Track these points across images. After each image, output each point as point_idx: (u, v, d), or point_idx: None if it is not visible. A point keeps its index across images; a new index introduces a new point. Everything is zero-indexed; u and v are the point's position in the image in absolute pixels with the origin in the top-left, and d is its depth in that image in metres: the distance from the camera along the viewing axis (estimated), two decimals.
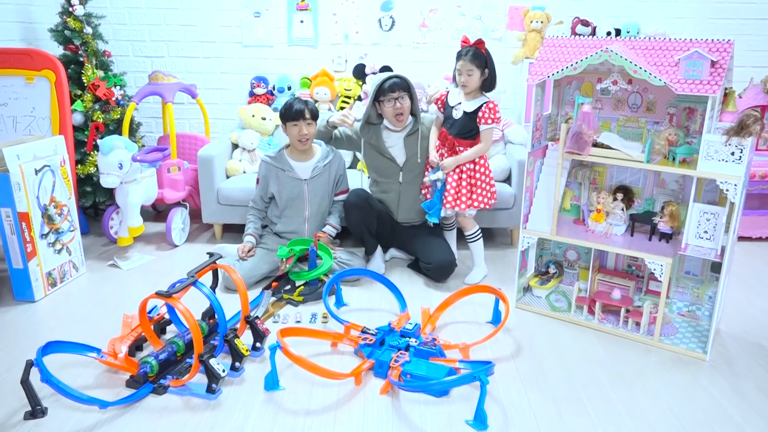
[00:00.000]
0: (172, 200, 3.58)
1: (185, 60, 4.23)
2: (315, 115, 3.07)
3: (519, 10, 4.06)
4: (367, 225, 3.12)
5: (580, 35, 3.87)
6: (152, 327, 2.44)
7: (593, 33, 3.95)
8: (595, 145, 2.53)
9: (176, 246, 3.58)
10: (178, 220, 3.60)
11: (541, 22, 3.96)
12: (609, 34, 3.90)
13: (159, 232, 3.80)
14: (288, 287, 2.97)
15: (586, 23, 3.94)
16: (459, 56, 2.87)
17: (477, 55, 2.82)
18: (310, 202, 3.14)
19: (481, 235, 3.13)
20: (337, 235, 3.27)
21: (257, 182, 3.21)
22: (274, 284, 2.98)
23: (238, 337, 2.27)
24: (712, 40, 2.29)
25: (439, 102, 3.16)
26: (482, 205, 2.99)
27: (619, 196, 2.71)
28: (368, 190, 3.24)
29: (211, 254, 2.55)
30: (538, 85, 2.58)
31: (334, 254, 3.08)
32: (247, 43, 4.19)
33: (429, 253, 3.10)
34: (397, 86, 3.03)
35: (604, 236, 2.67)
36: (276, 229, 3.23)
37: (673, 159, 2.42)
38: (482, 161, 2.99)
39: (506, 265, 3.36)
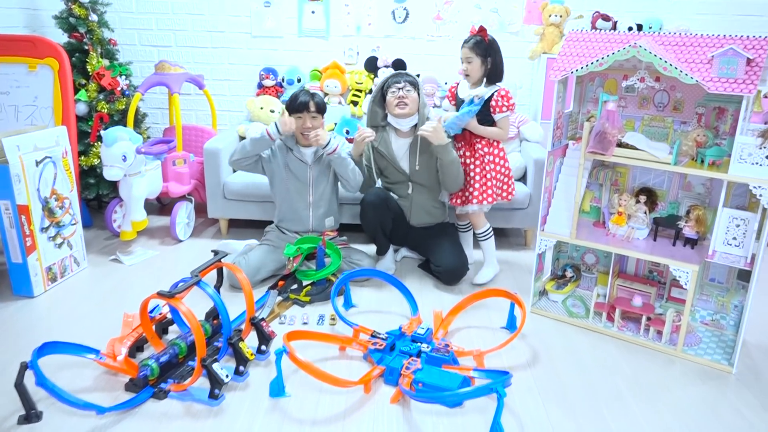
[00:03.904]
0: (177, 194, 3.48)
1: (193, 50, 4.12)
2: (321, 109, 2.96)
3: (537, 3, 3.93)
4: (382, 225, 3.02)
5: (600, 30, 3.75)
6: (154, 327, 2.35)
7: (614, 28, 3.82)
8: (620, 145, 2.42)
9: (180, 241, 3.49)
10: (183, 214, 3.50)
11: (560, 16, 3.83)
12: (630, 29, 3.77)
13: (163, 226, 3.71)
14: (295, 287, 2.87)
15: (606, 18, 3.81)
16: (462, 45, 2.86)
17: (477, 43, 2.79)
18: (314, 186, 3.04)
19: (492, 233, 3.03)
20: (346, 233, 3.17)
21: None
22: (280, 283, 2.88)
23: (243, 340, 2.17)
24: (747, 36, 2.16)
25: (449, 95, 3.07)
26: (498, 198, 2.92)
27: (642, 198, 2.59)
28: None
29: (215, 252, 2.45)
30: (560, 81, 2.47)
31: (342, 254, 2.98)
32: (256, 34, 4.08)
33: (441, 255, 2.99)
34: (403, 78, 2.93)
35: (626, 240, 2.56)
36: (279, 217, 3.12)
37: (702, 161, 2.30)
38: (497, 152, 2.91)
39: (520, 267, 3.25)
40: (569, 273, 2.89)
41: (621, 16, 3.86)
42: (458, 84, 3.01)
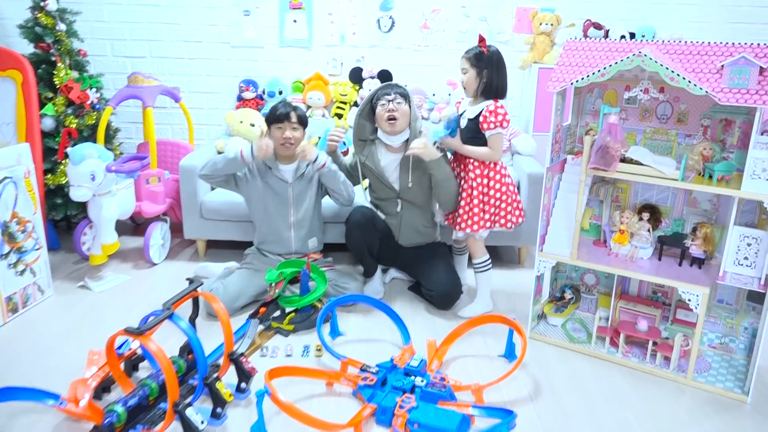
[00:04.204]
0: (151, 214, 3.28)
1: (168, 61, 3.93)
2: (302, 121, 2.80)
3: (527, 11, 3.80)
4: (369, 246, 2.84)
5: (594, 39, 3.63)
6: (123, 365, 2.15)
7: (606, 36, 3.70)
8: (623, 160, 2.27)
9: (155, 264, 3.28)
10: (158, 235, 3.30)
11: (551, 25, 3.70)
12: (623, 38, 3.65)
13: (137, 247, 3.49)
14: (277, 314, 2.68)
15: (598, 26, 3.69)
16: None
17: (476, 54, 2.57)
18: (295, 206, 2.86)
19: (490, 266, 2.79)
20: (331, 253, 3.00)
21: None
22: (262, 310, 2.68)
23: (220, 380, 1.98)
24: (758, 44, 2.03)
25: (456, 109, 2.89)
26: (494, 226, 2.68)
27: (645, 215, 2.45)
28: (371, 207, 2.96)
29: (190, 281, 2.26)
30: (558, 93, 2.32)
31: (328, 277, 2.79)
32: (235, 44, 3.90)
33: (433, 278, 2.81)
34: (394, 90, 2.76)
35: (629, 260, 2.41)
36: (259, 239, 2.94)
37: (710, 176, 2.16)
38: (492, 173, 2.64)
39: (514, 288, 3.09)
40: (568, 294, 2.73)
41: (613, 25, 3.74)
42: (462, 99, 2.82)
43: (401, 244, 2.96)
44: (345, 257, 3.32)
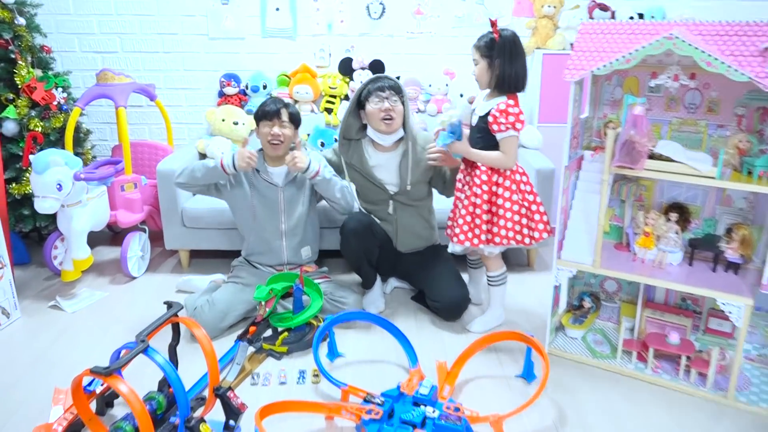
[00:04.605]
0: (128, 224, 3.00)
1: (142, 56, 3.63)
2: (294, 119, 2.56)
3: None
4: (367, 256, 2.59)
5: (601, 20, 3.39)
6: (95, 402, 1.90)
7: (612, 17, 3.46)
8: (651, 156, 2.03)
9: (134, 278, 3.01)
10: (136, 247, 3.03)
11: (554, 7, 3.44)
12: (632, 18, 3.40)
13: (115, 259, 3.22)
14: (269, 333, 2.43)
15: (604, 7, 3.44)
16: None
17: (486, 42, 2.25)
18: (286, 213, 2.61)
19: (506, 279, 2.51)
20: (326, 261, 2.75)
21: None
22: (251, 329, 2.43)
23: (204, 422, 1.73)
24: None
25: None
26: (509, 242, 2.30)
27: (673, 216, 2.21)
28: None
29: (169, 304, 1.99)
30: (576, 82, 2.07)
31: (324, 290, 2.54)
32: (214, 35, 3.61)
33: (437, 287, 2.57)
34: (387, 86, 2.51)
35: (657, 267, 2.18)
36: (247, 249, 2.69)
37: (749, 173, 1.92)
38: (504, 181, 2.27)
39: (526, 295, 2.85)
40: (587, 303, 2.50)
41: (619, 6, 3.50)
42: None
43: (400, 251, 2.72)
44: (341, 265, 3.07)
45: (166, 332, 1.99)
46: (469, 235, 2.33)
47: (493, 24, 2.25)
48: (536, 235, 2.32)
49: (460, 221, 2.34)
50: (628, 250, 2.32)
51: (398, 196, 2.63)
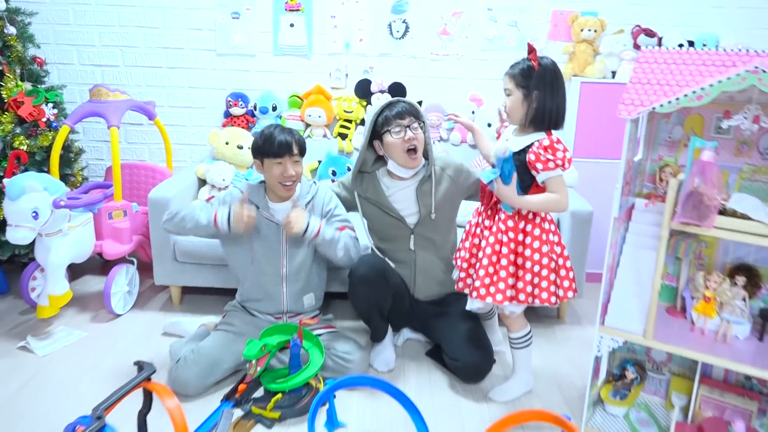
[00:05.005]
0: (115, 255, 2.71)
1: (144, 70, 3.38)
2: (303, 150, 2.26)
3: (565, 15, 3.23)
4: (379, 306, 2.27)
5: (654, 48, 3.08)
6: None
7: (659, 44, 3.14)
8: (723, 212, 1.69)
9: (118, 315, 2.72)
10: (122, 281, 2.73)
11: (594, 31, 3.13)
12: (681, 46, 3.07)
13: (102, 291, 2.92)
14: (260, 394, 2.11)
15: (651, 33, 3.12)
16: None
17: (522, 70, 1.93)
18: (288, 255, 2.29)
19: (531, 340, 2.18)
20: (332, 306, 2.43)
21: (207, 200, 2.37)
22: (240, 388, 2.11)
23: None
24: None
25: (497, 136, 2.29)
26: (536, 301, 1.98)
27: (740, 280, 1.86)
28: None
29: (140, 366, 1.68)
30: (633, 120, 1.74)
31: (326, 344, 2.22)
32: (222, 51, 3.35)
33: (457, 344, 2.24)
34: (406, 112, 2.20)
35: (720, 341, 1.82)
36: (242, 295, 2.38)
37: None
38: (533, 229, 1.96)
39: (555, 352, 2.50)
40: (631, 373, 2.14)
41: (667, 31, 3.18)
42: (506, 126, 2.18)
43: (417, 298, 2.40)
44: (349, 310, 2.74)
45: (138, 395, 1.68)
46: (492, 289, 1.97)
47: (532, 50, 1.94)
48: (561, 293, 2.00)
49: (482, 272, 1.99)
50: (683, 317, 1.97)
51: (420, 229, 2.31)
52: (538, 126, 1.95)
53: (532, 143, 1.92)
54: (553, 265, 1.98)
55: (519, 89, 1.93)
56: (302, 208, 2.22)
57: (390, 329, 2.43)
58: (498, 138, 2.19)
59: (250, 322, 2.32)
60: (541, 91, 1.91)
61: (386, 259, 2.35)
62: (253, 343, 2.06)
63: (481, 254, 2.01)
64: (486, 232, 2.03)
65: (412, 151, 2.20)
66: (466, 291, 2.08)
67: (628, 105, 1.73)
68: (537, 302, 1.97)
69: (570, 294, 2.00)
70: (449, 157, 2.45)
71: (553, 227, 2.01)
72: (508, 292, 1.97)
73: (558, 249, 2.00)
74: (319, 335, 2.27)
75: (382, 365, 2.33)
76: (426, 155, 2.31)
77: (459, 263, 2.14)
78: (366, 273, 2.20)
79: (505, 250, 1.96)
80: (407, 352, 2.50)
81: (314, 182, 2.41)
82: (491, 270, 1.98)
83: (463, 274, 2.12)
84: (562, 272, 2.00)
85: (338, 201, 2.38)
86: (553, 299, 1.98)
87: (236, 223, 2.15)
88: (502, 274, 1.96)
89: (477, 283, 1.99)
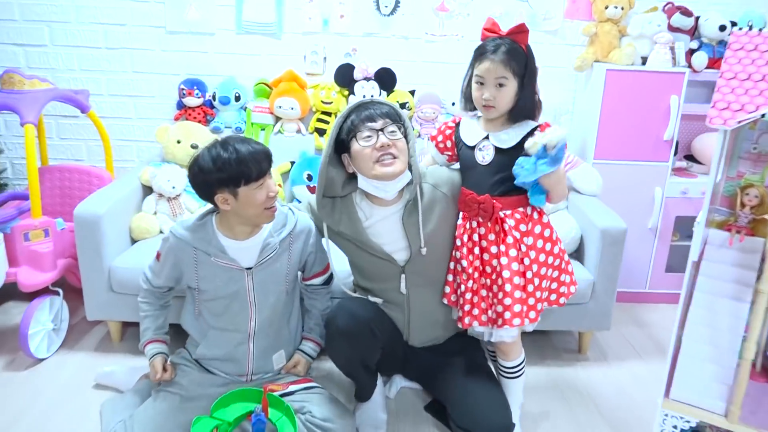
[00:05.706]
0: (33, 286, 2.16)
1: (78, 51, 2.79)
2: (271, 161, 1.73)
3: None
4: (365, 363, 1.78)
5: (677, 29, 2.61)
6: None
7: (696, 25, 2.68)
8: None
9: (40, 360, 2.18)
10: (44, 317, 2.19)
11: (622, 8, 2.64)
12: (723, 28, 2.60)
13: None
14: None
15: (687, 12, 2.65)
16: (481, 54, 1.66)
17: (515, 53, 1.62)
18: (257, 305, 1.79)
19: (524, 369, 1.82)
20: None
21: (157, 258, 1.84)
22: None
23: None
24: None
25: (440, 137, 1.85)
26: (544, 305, 1.74)
27: None
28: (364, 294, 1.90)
29: None
30: (726, 129, 1.26)
31: (302, 407, 1.72)
32: (173, 29, 2.78)
33: (466, 407, 1.76)
34: (378, 112, 1.69)
35: None
36: (198, 351, 1.86)
37: None
38: (539, 229, 1.71)
39: (577, 398, 2.06)
40: None
41: (704, 10, 2.71)
42: (459, 121, 1.81)
43: (412, 345, 1.91)
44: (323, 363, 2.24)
45: None
46: (532, 314, 1.69)
47: (523, 29, 1.66)
48: (564, 290, 1.79)
49: (508, 300, 1.64)
50: (766, 381, 1.52)
51: (412, 267, 1.80)
52: (519, 115, 1.70)
53: (531, 130, 1.67)
54: (558, 261, 1.76)
55: (516, 76, 1.64)
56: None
57: (380, 379, 1.94)
58: (446, 129, 1.86)
59: (202, 383, 1.79)
60: (530, 77, 1.66)
61: (373, 299, 1.85)
62: (202, 421, 1.55)
63: (500, 280, 1.66)
64: (494, 248, 1.68)
65: (385, 155, 1.66)
66: (473, 327, 1.75)
67: (722, 110, 1.24)
68: (546, 305, 1.76)
69: (573, 288, 1.81)
70: (440, 169, 1.90)
71: (546, 218, 1.76)
72: (535, 304, 1.70)
73: (551, 252, 1.74)
74: (291, 393, 1.77)
75: (370, 429, 1.85)
76: (411, 169, 1.78)
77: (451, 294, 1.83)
78: (346, 325, 1.69)
79: (515, 265, 1.66)
80: (401, 405, 2.02)
81: (291, 210, 1.88)
82: (519, 294, 1.65)
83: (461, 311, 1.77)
84: (563, 265, 1.79)
85: (320, 242, 1.88)
86: (561, 300, 1.79)
87: (153, 375, 1.79)
88: (517, 294, 1.65)
89: (508, 314, 1.64)
